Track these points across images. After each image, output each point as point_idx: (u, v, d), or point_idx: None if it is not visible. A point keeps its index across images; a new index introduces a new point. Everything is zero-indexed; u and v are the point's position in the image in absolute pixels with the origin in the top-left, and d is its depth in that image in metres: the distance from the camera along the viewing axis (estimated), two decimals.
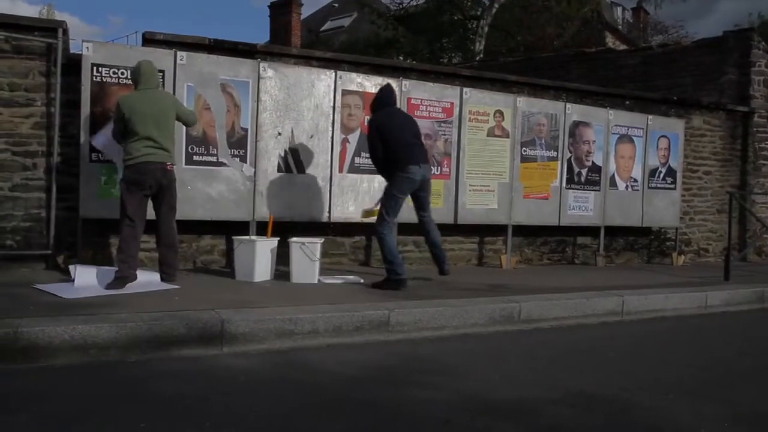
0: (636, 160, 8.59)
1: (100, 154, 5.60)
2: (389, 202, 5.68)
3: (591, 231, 8.46)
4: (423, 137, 6.73)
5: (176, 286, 5.08)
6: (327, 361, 3.82)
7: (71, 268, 5.21)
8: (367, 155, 6.67)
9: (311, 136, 6.45)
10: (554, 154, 7.85)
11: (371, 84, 6.75)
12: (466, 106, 7.25)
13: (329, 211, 6.55)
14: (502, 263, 7.62)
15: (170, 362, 3.67)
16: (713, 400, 3.39)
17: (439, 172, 7.10)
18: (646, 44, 15.27)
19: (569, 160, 8.00)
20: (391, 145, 5.60)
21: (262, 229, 6.04)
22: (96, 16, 60.76)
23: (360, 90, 6.69)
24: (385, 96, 5.88)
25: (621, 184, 8.47)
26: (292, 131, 6.37)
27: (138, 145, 5.01)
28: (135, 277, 5.00)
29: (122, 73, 5.64)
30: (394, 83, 6.84)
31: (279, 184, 6.31)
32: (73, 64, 5.66)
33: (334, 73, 6.58)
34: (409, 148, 5.65)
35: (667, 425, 2.97)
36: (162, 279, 5.22)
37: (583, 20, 20.92)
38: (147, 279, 5.18)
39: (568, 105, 8.05)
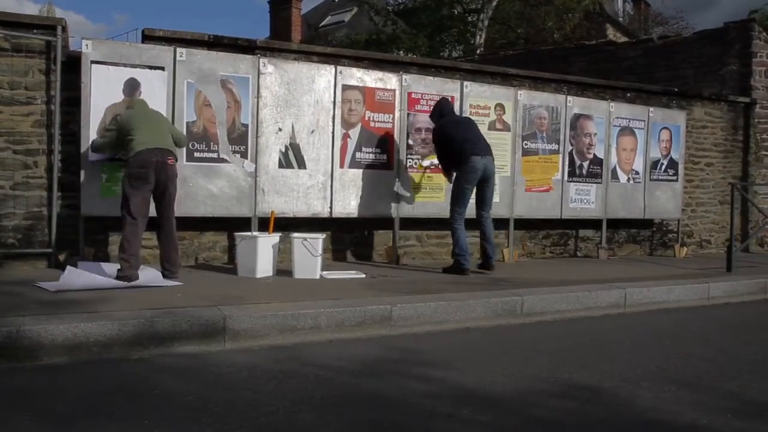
0: (638, 152, 8.57)
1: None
2: (458, 193, 6.30)
3: (593, 224, 8.45)
4: (423, 132, 6.88)
5: (178, 283, 5.08)
6: (329, 356, 3.82)
7: (78, 264, 5.25)
8: (368, 150, 6.73)
9: (312, 132, 6.44)
10: (555, 147, 7.83)
11: (371, 79, 6.74)
12: (467, 100, 7.24)
13: (331, 207, 6.55)
14: (504, 257, 7.61)
15: (173, 359, 3.67)
16: (716, 392, 3.38)
17: (440, 167, 7.09)
18: (646, 36, 15.21)
19: (571, 153, 7.98)
20: (455, 144, 6.25)
21: (263, 225, 6.04)
22: (101, 14, 60.86)
23: (360, 85, 6.68)
24: (442, 107, 6.52)
25: (623, 177, 8.46)
26: (292, 127, 6.36)
27: (138, 138, 5.00)
28: (137, 277, 4.97)
29: None
30: (394, 78, 6.85)
31: (280, 179, 6.31)
32: (72, 62, 5.66)
33: (334, 69, 6.57)
34: (469, 143, 6.23)
35: (669, 417, 2.96)
36: (164, 276, 5.22)
37: (584, 12, 20.85)
38: (149, 276, 5.19)
39: (569, 98, 8.03)
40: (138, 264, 5.07)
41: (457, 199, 6.30)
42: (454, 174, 6.40)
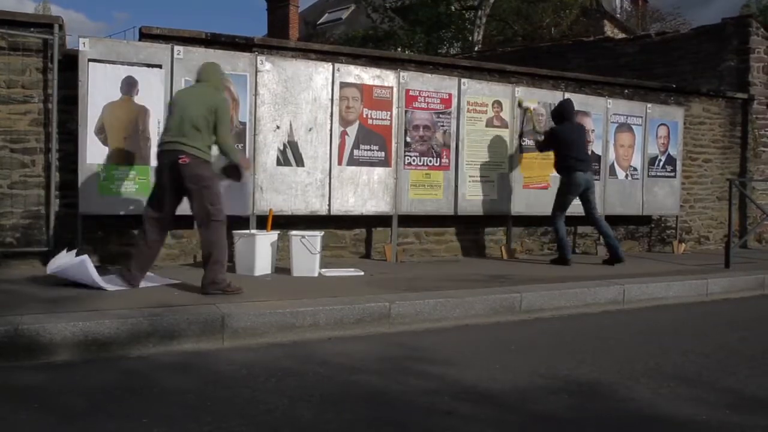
0: (635, 148, 8.58)
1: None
2: (560, 200, 7.15)
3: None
4: (421, 129, 6.91)
5: (177, 281, 5.07)
6: (328, 354, 3.82)
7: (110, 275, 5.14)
8: (366, 147, 6.74)
9: (310, 129, 6.43)
10: None
11: (369, 76, 6.73)
12: (465, 97, 7.23)
13: (329, 204, 6.54)
14: (502, 254, 7.62)
15: (172, 357, 3.67)
16: (714, 388, 3.39)
17: (438, 164, 7.10)
18: (644, 32, 15.20)
19: None
20: (566, 153, 7.02)
21: (262, 223, 6.03)
22: (101, 13, 60.89)
23: (358, 82, 6.67)
24: (564, 110, 7.16)
25: (621, 173, 8.46)
26: (290, 124, 6.35)
27: (163, 135, 4.85)
28: (138, 283, 4.77)
29: None
30: (391, 75, 6.84)
31: (278, 177, 6.30)
32: (70, 60, 5.64)
33: (332, 66, 6.56)
34: (576, 159, 7.01)
35: (668, 413, 2.97)
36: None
37: (581, 9, 20.83)
38: (148, 274, 5.17)
39: (567, 94, 8.02)
40: (140, 267, 4.80)
41: (560, 206, 7.13)
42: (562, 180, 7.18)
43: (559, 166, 7.19)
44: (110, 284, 4.74)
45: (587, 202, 7.22)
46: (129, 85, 5.68)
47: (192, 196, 4.69)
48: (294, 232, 5.77)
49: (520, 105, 7.59)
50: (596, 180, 8.15)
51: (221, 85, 4.99)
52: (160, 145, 4.78)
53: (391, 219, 6.93)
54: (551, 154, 7.37)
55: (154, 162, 5.70)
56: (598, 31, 19.21)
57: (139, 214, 5.73)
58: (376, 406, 2.95)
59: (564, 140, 7.05)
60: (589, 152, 7.39)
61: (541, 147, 7.42)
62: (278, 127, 6.29)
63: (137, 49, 5.77)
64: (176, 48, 5.86)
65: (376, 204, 6.80)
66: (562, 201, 7.13)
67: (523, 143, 7.63)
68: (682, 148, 9.09)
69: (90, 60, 5.54)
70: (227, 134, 4.80)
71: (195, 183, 4.63)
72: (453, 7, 21.25)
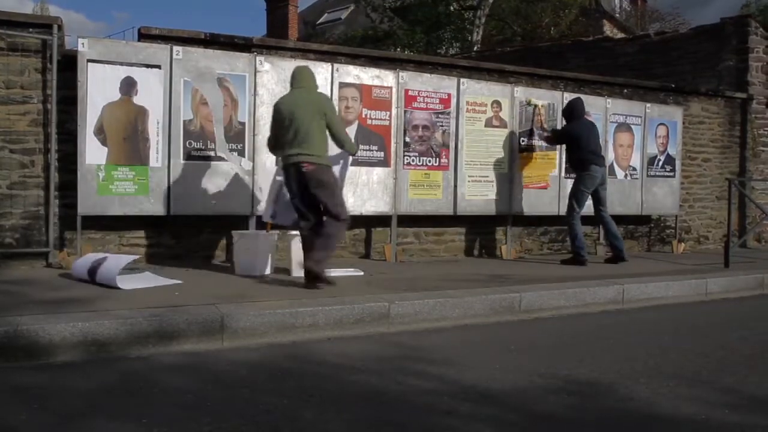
0: (634, 148, 8.58)
1: None
2: (577, 195, 7.16)
3: (591, 220, 8.43)
4: (420, 129, 6.92)
5: (177, 281, 5.07)
6: (328, 354, 3.82)
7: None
8: (365, 147, 6.75)
9: None
10: None
11: (368, 76, 6.74)
12: (464, 97, 7.24)
13: None
14: (502, 253, 7.63)
15: (171, 357, 3.67)
16: (713, 387, 3.39)
17: (437, 164, 7.10)
18: (643, 32, 15.21)
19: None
20: (581, 148, 7.08)
21: (261, 223, 6.03)
22: (100, 13, 60.87)
23: (357, 82, 6.67)
24: (576, 108, 7.27)
25: (620, 173, 8.47)
26: None
27: (279, 140, 5.14)
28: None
29: None
30: (390, 75, 6.84)
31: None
32: (69, 61, 5.65)
33: (331, 66, 6.56)
34: (592, 154, 7.12)
35: (667, 412, 2.97)
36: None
37: (580, 9, 20.85)
38: (147, 274, 5.18)
39: (566, 94, 8.03)
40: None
41: (576, 201, 7.15)
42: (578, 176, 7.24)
43: (574, 163, 7.24)
44: (125, 284, 4.78)
45: (598, 201, 7.25)
46: (128, 86, 5.68)
47: (320, 200, 5.10)
48: (294, 232, 5.77)
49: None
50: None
51: (315, 86, 5.36)
52: (285, 159, 5.11)
53: (391, 219, 6.93)
54: (551, 155, 7.39)
55: (153, 162, 5.76)
56: (597, 31, 19.22)
57: (138, 215, 5.78)
58: (375, 406, 2.95)
59: (578, 137, 7.10)
60: (602, 151, 7.42)
61: (551, 141, 7.54)
62: None
63: (136, 49, 5.77)
64: (175, 48, 5.86)
65: (375, 204, 6.80)
66: (577, 195, 7.15)
67: (523, 143, 7.64)
68: (681, 147, 9.10)
69: (89, 60, 5.54)
70: (340, 131, 5.24)
71: (321, 188, 5.04)
72: (452, 7, 21.26)
